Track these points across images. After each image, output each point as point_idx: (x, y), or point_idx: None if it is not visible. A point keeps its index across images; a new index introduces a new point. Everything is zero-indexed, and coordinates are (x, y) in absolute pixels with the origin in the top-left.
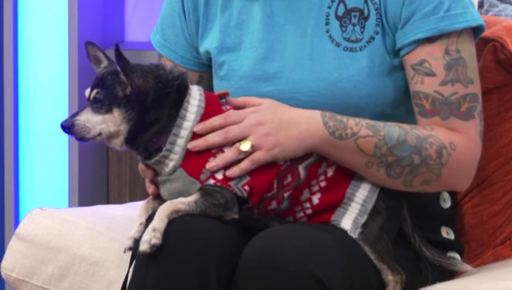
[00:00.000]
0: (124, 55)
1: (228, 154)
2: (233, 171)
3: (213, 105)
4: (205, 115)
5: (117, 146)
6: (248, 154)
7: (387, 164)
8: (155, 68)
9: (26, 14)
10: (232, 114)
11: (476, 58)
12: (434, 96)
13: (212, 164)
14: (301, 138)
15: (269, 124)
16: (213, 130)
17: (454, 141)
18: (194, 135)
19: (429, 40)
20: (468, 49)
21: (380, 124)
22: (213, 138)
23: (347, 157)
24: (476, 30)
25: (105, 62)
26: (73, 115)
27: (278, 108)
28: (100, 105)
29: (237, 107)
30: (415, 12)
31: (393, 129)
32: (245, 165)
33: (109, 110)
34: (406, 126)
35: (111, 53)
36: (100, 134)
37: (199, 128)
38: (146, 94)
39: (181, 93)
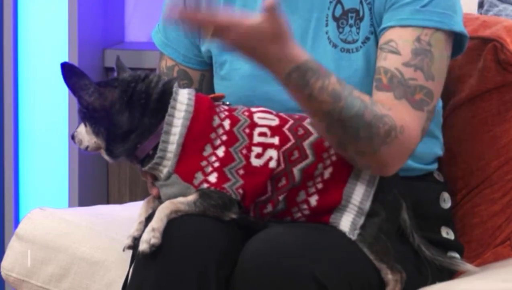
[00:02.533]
0: (74, 73)
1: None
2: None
3: (204, 107)
4: (194, 119)
5: (106, 158)
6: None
7: (331, 124)
8: (127, 82)
9: (26, 14)
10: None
11: (446, 63)
12: (393, 73)
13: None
14: (261, 54)
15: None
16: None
17: (404, 126)
18: (186, 140)
19: (402, 26)
20: (440, 48)
21: (345, 92)
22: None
23: (296, 100)
24: (461, 40)
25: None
26: (77, 127)
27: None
28: (82, 119)
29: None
30: (395, 2)
31: (355, 102)
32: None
33: (85, 125)
34: (367, 101)
35: (111, 53)
36: (87, 147)
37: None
38: (105, 110)
39: (164, 101)
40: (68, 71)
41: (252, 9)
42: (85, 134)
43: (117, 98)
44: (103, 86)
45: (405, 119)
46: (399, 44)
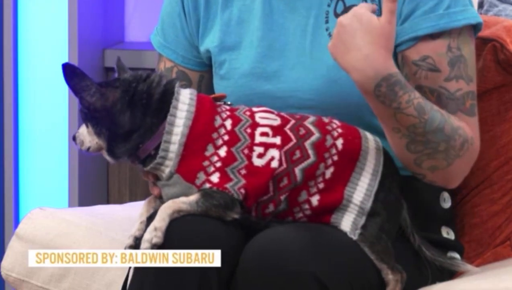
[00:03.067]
0: (76, 74)
1: None
2: None
3: (206, 107)
4: (196, 119)
5: (108, 159)
6: None
7: (413, 140)
8: (129, 82)
9: (26, 14)
10: None
11: (474, 57)
12: (440, 91)
13: None
14: (353, 70)
15: (346, 37)
16: None
17: (474, 137)
18: (188, 140)
19: (431, 36)
20: (468, 47)
21: (428, 106)
22: None
23: (382, 115)
24: (474, 29)
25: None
26: (79, 128)
27: (366, 35)
28: (83, 120)
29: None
30: (415, 9)
31: (437, 115)
32: None
33: (87, 126)
34: (445, 113)
35: (111, 53)
36: (89, 147)
37: None
38: (106, 110)
39: (165, 101)
40: (69, 72)
41: (248, 13)
42: (86, 135)
43: (118, 99)
44: (104, 87)
45: (471, 131)
46: (436, 60)
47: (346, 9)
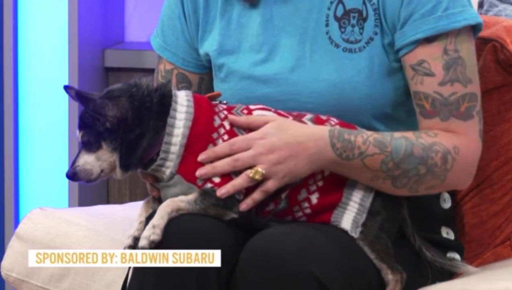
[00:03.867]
0: (88, 95)
1: (239, 181)
2: (246, 204)
3: (204, 108)
4: (196, 119)
5: (119, 176)
6: (257, 180)
7: (393, 177)
8: (127, 88)
9: (26, 14)
10: (237, 142)
11: (475, 57)
12: (434, 97)
13: (222, 191)
14: (310, 162)
15: (278, 152)
16: (218, 158)
17: (457, 145)
18: (188, 141)
19: (428, 40)
20: (466, 48)
21: (387, 138)
22: (222, 167)
23: (353, 173)
24: (474, 29)
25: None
26: (72, 163)
27: (285, 131)
28: (90, 145)
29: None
30: (413, 12)
31: (400, 143)
32: (257, 195)
33: (99, 146)
34: (411, 137)
35: (111, 53)
36: (102, 170)
37: (202, 157)
38: (125, 119)
39: (165, 104)
40: (80, 96)
41: (247, 18)
42: (94, 161)
43: (129, 106)
44: (111, 98)
45: (455, 139)
46: (431, 64)
47: (346, 13)
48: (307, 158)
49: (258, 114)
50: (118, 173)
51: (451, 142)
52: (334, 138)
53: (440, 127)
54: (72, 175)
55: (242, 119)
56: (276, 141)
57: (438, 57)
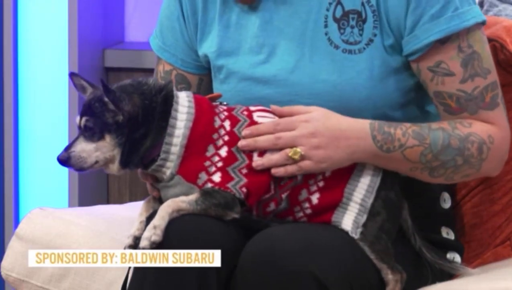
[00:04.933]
0: (110, 86)
1: (276, 157)
2: (278, 170)
3: (204, 109)
4: (196, 120)
5: (115, 171)
6: (295, 160)
7: (431, 168)
8: (138, 85)
9: (26, 14)
10: (282, 122)
11: (488, 47)
12: (458, 95)
13: (258, 162)
14: (350, 152)
15: (320, 137)
16: (260, 135)
17: (491, 134)
18: (189, 142)
19: (441, 41)
20: (479, 42)
21: (425, 130)
22: (263, 142)
23: (393, 165)
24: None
25: (90, 90)
26: (68, 147)
27: (329, 119)
28: (92, 133)
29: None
30: (422, 15)
31: (437, 134)
32: (292, 169)
33: (101, 137)
34: (448, 128)
35: (111, 53)
36: (97, 162)
37: (246, 133)
38: (136, 117)
39: (168, 104)
40: (104, 86)
41: (246, 19)
42: (92, 150)
43: (140, 104)
44: (127, 93)
45: (488, 129)
46: (449, 64)
47: (345, 14)
48: (347, 147)
49: (259, 115)
50: (116, 168)
51: (485, 132)
52: (375, 130)
53: (469, 121)
54: (65, 159)
55: (285, 109)
56: (319, 126)
57: (454, 56)
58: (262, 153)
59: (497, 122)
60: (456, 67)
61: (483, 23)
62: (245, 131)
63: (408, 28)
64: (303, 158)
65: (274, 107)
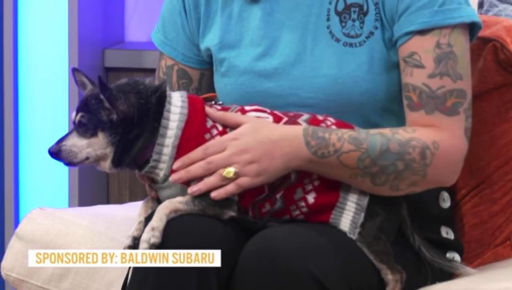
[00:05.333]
0: (107, 84)
1: (211, 179)
2: (218, 193)
3: (197, 109)
4: (189, 120)
5: (106, 169)
6: (231, 179)
7: (371, 174)
8: (134, 85)
9: (26, 14)
10: (211, 145)
11: (469, 56)
12: (422, 89)
13: (194, 188)
14: (285, 160)
15: (252, 152)
16: (193, 163)
17: (437, 140)
18: (181, 142)
19: (421, 32)
20: (460, 45)
21: (362, 135)
22: (195, 170)
23: (331, 172)
24: (473, 29)
25: (89, 87)
26: (60, 141)
27: (259, 132)
28: (85, 129)
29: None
30: (410, 5)
31: (375, 139)
32: (230, 188)
33: (94, 134)
34: (388, 133)
35: (111, 53)
36: (87, 158)
37: (177, 165)
38: (131, 117)
39: (161, 104)
40: (100, 83)
41: (248, 12)
42: (83, 146)
43: (136, 104)
44: (123, 92)
45: (434, 134)
46: (422, 56)
47: (347, 7)
48: (282, 156)
49: (253, 115)
50: (107, 166)
51: (430, 138)
52: (309, 136)
53: (424, 120)
54: (55, 152)
55: (218, 114)
56: (250, 141)
57: (430, 50)
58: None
59: (449, 129)
60: (428, 61)
61: (473, 25)
62: (176, 164)
63: (397, 16)
64: (238, 175)
65: (207, 110)
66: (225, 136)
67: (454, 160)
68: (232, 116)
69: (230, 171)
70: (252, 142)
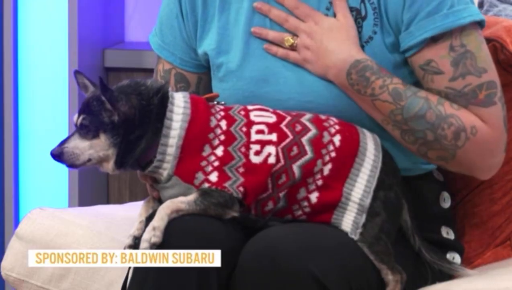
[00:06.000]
0: (108, 85)
1: (273, 33)
2: (271, 47)
3: (200, 109)
4: (192, 120)
5: (109, 171)
6: (285, 47)
7: (401, 129)
8: (136, 86)
9: (26, 14)
10: (302, 7)
11: (486, 47)
12: (447, 92)
13: (257, 30)
14: (327, 69)
15: (313, 43)
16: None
17: (477, 126)
18: (185, 142)
19: (434, 39)
20: (474, 41)
21: (407, 92)
22: (276, 13)
23: (366, 106)
24: (479, 25)
25: (91, 89)
26: (62, 143)
27: (329, 36)
28: (87, 131)
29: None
30: (419, 12)
31: (417, 102)
32: (282, 52)
33: (96, 136)
34: (433, 101)
35: (111, 53)
36: (89, 160)
37: (259, 4)
38: (132, 118)
39: (164, 105)
40: (101, 84)
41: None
42: (85, 148)
43: (137, 105)
44: (124, 94)
45: (476, 120)
46: (439, 63)
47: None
48: (325, 66)
49: (256, 114)
50: (110, 167)
51: (471, 121)
52: (354, 69)
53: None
54: (58, 154)
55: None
56: (318, 34)
57: (445, 55)
58: (258, 151)
59: (489, 120)
60: (446, 66)
61: (481, 23)
62: (256, 4)
63: (404, 24)
64: (292, 48)
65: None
66: (314, 15)
67: (490, 149)
68: (317, 13)
69: (289, 40)
70: (319, 36)
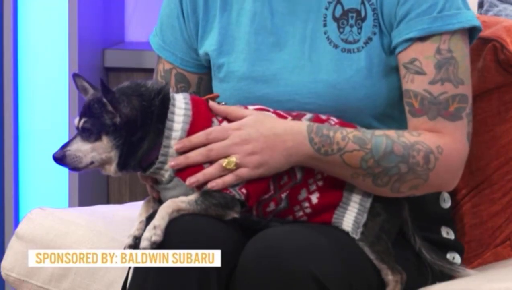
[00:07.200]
0: (109, 87)
1: (210, 170)
2: (216, 183)
3: (202, 110)
4: (193, 122)
5: (112, 173)
6: (231, 170)
7: (374, 174)
8: (136, 87)
9: (26, 14)
10: (214, 131)
11: (469, 60)
12: (423, 95)
13: (192, 179)
14: (287, 155)
15: (254, 143)
16: (194, 148)
17: (441, 144)
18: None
19: (421, 39)
20: (460, 50)
21: (367, 135)
22: (195, 157)
23: (332, 170)
24: (473, 31)
25: (91, 91)
26: (64, 146)
27: (263, 124)
28: (89, 134)
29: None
30: (410, 11)
31: (380, 140)
32: (229, 179)
33: (98, 138)
34: (393, 135)
35: (111, 53)
36: (92, 162)
37: (177, 146)
38: (134, 120)
39: (165, 106)
40: (103, 86)
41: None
42: (87, 151)
43: (139, 107)
44: (126, 96)
45: (438, 139)
46: (423, 63)
47: (345, 13)
48: (284, 150)
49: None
50: (113, 170)
51: (434, 142)
52: (313, 133)
53: (427, 126)
54: (60, 157)
55: (221, 108)
56: (252, 133)
57: (430, 56)
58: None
59: (453, 135)
60: (429, 67)
61: (472, 29)
62: (176, 145)
63: (397, 21)
64: (238, 166)
65: (211, 104)
66: (228, 125)
67: (456, 164)
68: (235, 109)
69: (231, 161)
70: (255, 134)
